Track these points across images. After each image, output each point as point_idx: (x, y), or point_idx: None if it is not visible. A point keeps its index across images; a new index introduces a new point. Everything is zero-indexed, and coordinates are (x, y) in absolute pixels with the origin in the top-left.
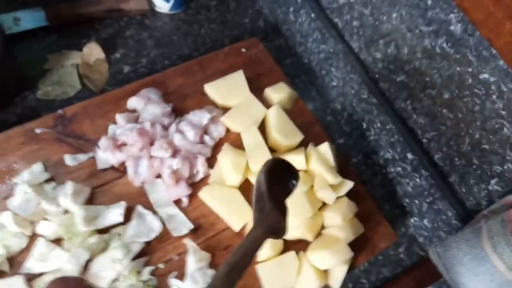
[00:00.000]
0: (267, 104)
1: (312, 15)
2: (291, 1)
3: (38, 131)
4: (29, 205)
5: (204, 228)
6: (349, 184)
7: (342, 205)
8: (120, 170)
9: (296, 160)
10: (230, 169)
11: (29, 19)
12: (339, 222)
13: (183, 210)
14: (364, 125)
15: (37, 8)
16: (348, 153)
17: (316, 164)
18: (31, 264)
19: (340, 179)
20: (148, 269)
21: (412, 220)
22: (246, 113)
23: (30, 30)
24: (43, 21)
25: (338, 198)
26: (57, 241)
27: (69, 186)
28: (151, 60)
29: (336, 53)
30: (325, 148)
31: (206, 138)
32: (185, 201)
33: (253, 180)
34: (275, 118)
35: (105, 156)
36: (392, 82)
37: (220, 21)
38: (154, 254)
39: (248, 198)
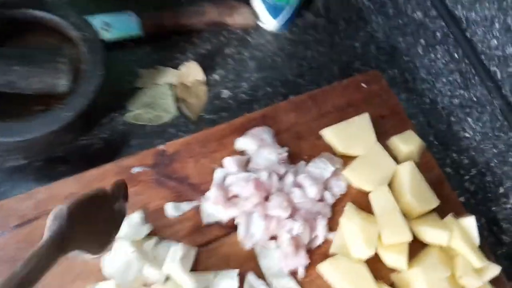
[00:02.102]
0: (392, 155)
1: (456, 55)
2: (425, 34)
3: (135, 170)
4: (130, 271)
5: None
6: (495, 269)
7: None
8: (228, 226)
9: (438, 235)
10: (360, 240)
11: (121, 26)
12: None
13: (299, 282)
14: (501, 190)
15: (130, 13)
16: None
17: (460, 242)
18: None
19: (487, 262)
20: None
21: None
22: (374, 167)
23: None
24: (137, 30)
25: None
26: None
27: (178, 249)
28: (252, 85)
29: (483, 105)
30: (470, 222)
31: (327, 194)
32: (301, 271)
33: (382, 253)
34: (409, 177)
35: (213, 209)
36: None
37: (327, 44)
38: None
39: (375, 274)
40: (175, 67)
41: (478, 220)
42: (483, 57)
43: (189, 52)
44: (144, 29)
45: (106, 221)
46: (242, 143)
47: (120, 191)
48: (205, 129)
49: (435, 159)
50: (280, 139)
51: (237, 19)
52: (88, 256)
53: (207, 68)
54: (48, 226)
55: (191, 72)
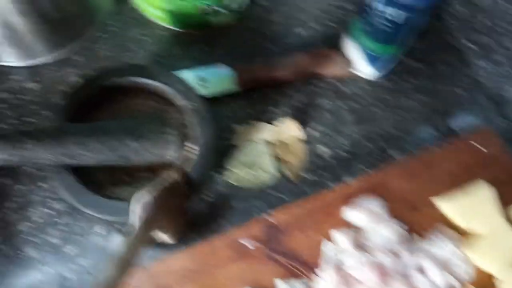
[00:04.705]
0: None
1: None
2: None
3: (244, 242)
4: None
5: None
6: None
7: None
8: None
9: None
10: None
11: (217, 81)
12: None
13: None
14: None
15: (225, 67)
16: None
17: None
18: None
19: None
20: None
21: None
22: (501, 248)
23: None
24: (233, 84)
25: None
26: None
27: None
28: (351, 141)
29: None
30: None
31: (451, 279)
32: None
33: None
34: None
35: None
36: None
37: (429, 92)
38: None
39: None
40: (269, 121)
41: None
42: None
43: (282, 105)
44: (239, 83)
45: (177, 206)
46: (351, 215)
47: (184, 178)
48: (308, 193)
49: None
50: (392, 211)
51: (331, 68)
52: (165, 237)
53: (302, 123)
54: (138, 212)
55: (288, 128)
